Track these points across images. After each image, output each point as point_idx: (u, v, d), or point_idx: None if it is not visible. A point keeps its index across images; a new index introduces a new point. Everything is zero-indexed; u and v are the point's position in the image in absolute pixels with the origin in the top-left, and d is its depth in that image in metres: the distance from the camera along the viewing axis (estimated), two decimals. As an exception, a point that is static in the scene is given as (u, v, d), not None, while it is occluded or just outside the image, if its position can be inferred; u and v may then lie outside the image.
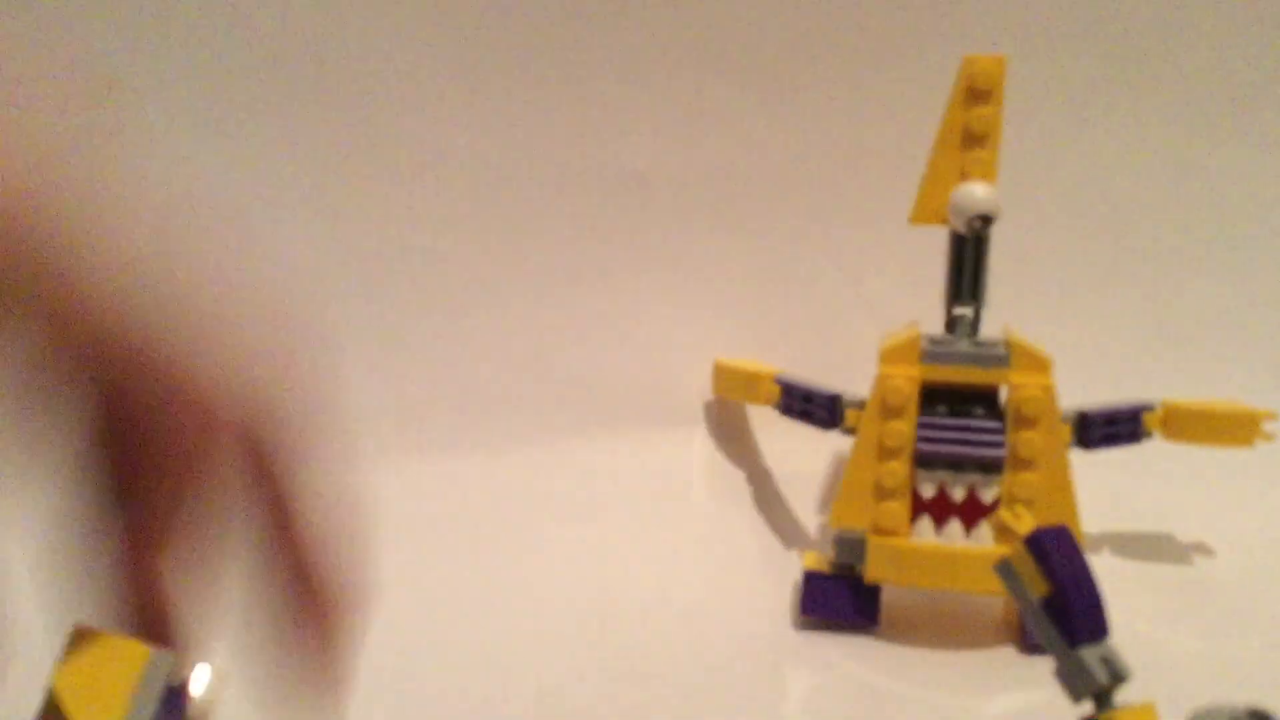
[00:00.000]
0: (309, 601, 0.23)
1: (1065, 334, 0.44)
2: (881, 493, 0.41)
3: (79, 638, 0.20)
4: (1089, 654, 0.25)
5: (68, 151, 0.21)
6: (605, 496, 0.52)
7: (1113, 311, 0.57)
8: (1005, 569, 0.27)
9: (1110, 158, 0.57)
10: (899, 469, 0.41)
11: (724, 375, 0.54)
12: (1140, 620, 0.41)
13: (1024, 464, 0.40)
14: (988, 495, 0.41)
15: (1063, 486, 0.40)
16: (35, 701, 0.19)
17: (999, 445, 0.40)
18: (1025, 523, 0.27)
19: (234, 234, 0.25)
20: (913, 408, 0.41)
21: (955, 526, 0.41)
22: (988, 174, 0.41)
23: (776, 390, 0.48)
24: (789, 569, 0.46)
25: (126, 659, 0.21)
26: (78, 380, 0.21)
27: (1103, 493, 0.43)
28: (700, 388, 0.56)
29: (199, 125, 0.51)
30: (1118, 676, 0.25)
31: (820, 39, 0.55)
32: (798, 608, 0.42)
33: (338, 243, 0.54)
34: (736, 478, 0.54)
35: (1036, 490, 0.40)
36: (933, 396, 0.41)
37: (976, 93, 0.41)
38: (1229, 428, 0.44)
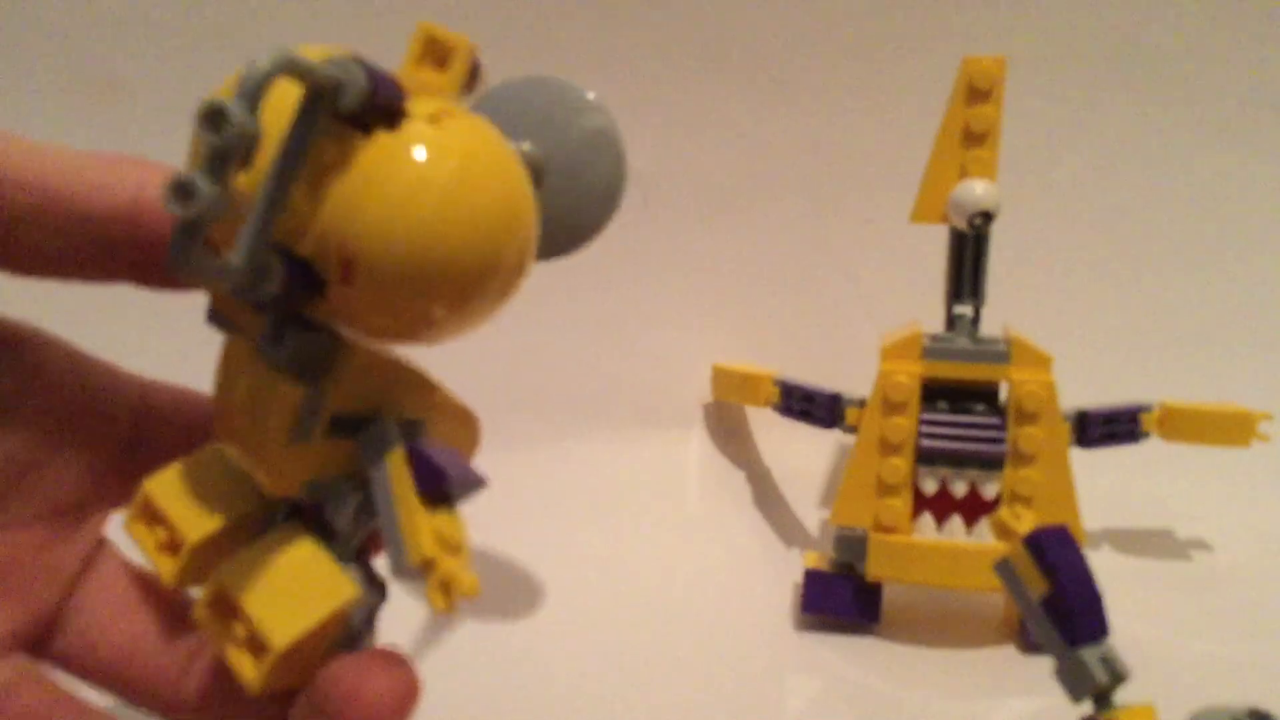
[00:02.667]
0: None
1: (1065, 334, 0.44)
2: (883, 489, 0.41)
3: None
4: (1089, 654, 0.25)
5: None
6: (605, 498, 0.52)
7: (1113, 311, 0.57)
8: (1005, 569, 0.27)
9: (1110, 158, 0.57)
10: (901, 465, 0.41)
11: (723, 378, 0.54)
12: (1140, 620, 0.41)
13: (1025, 459, 0.40)
14: (989, 491, 0.41)
15: (1063, 482, 0.41)
16: None
17: (1000, 441, 0.41)
18: (1025, 522, 0.27)
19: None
20: (914, 404, 0.41)
21: (956, 523, 0.41)
22: (988, 172, 0.41)
23: (776, 391, 0.48)
24: (789, 568, 0.46)
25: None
26: None
27: (1103, 490, 0.43)
28: (700, 388, 0.56)
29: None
30: (1117, 676, 0.25)
31: (820, 39, 0.55)
32: (798, 607, 0.43)
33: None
34: (736, 478, 0.54)
35: (1037, 486, 0.40)
36: (933, 393, 0.42)
37: (976, 92, 0.41)
38: (1225, 429, 0.44)
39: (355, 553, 0.22)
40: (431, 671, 0.38)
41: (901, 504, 0.41)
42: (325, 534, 0.22)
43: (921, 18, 0.55)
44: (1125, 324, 0.57)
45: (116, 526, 0.25)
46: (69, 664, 0.23)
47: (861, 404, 0.43)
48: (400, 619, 0.41)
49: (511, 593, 0.44)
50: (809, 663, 0.40)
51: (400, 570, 0.20)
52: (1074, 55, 0.56)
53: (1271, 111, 0.56)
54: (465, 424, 0.24)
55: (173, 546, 0.22)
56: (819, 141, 0.56)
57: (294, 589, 0.21)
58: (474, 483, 0.21)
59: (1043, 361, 0.41)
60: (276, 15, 0.52)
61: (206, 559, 0.22)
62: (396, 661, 0.21)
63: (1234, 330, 0.57)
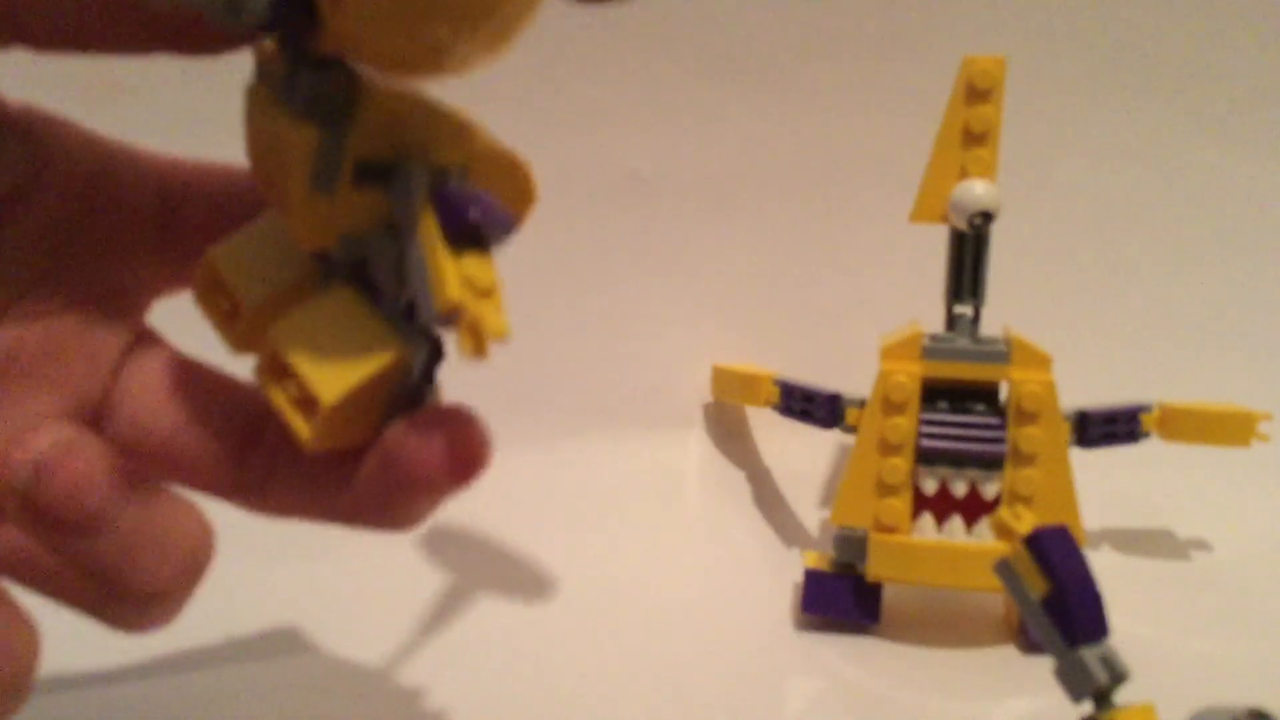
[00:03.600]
0: None
1: (1065, 334, 0.44)
2: (883, 489, 0.41)
3: None
4: (1088, 654, 0.25)
5: None
6: (604, 498, 0.52)
7: (1113, 311, 0.57)
8: (1005, 569, 0.27)
9: (1110, 158, 0.57)
10: (901, 465, 0.41)
11: (723, 378, 0.54)
12: (1140, 620, 0.41)
13: (1025, 459, 0.40)
14: (989, 491, 0.41)
15: (1063, 482, 0.41)
16: None
17: (1000, 441, 0.41)
18: (1025, 522, 0.27)
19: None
20: (914, 404, 0.41)
21: (956, 523, 0.41)
22: (988, 172, 0.41)
23: (776, 391, 0.48)
24: (789, 568, 0.46)
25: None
26: None
27: (1103, 490, 0.43)
28: (699, 388, 0.56)
29: (198, 125, 0.51)
30: (1117, 676, 0.25)
31: (820, 39, 0.55)
32: (798, 607, 0.43)
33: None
34: (736, 478, 0.54)
35: (1037, 486, 0.40)
36: (933, 393, 0.42)
37: (976, 92, 0.41)
38: (1225, 429, 0.44)
39: (405, 308, 0.21)
40: (430, 670, 0.38)
41: (901, 504, 0.41)
42: (373, 291, 0.22)
43: (921, 18, 0.55)
44: (1125, 324, 0.57)
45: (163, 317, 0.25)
46: (129, 443, 0.23)
47: (861, 404, 0.43)
48: (400, 619, 0.41)
49: (511, 593, 0.44)
50: (809, 663, 0.40)
51: (430, 318, 0.20)
52: (1074, 55, 0.56)
53: (1271, 111, 0.56)
54: (512, 172, 0.23)
55: (235, 314, 0.22)
56: (819, 141, 0.56)
57: (342, 346, 0.21)
58: (503, 222, 0.21)
59: (1043, 361, 0.41)
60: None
61: (268, 324, 0.22)
62: (462, 419, 0.21)
63: (1234, 330, 0.57)
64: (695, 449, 0.55)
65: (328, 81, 0.19)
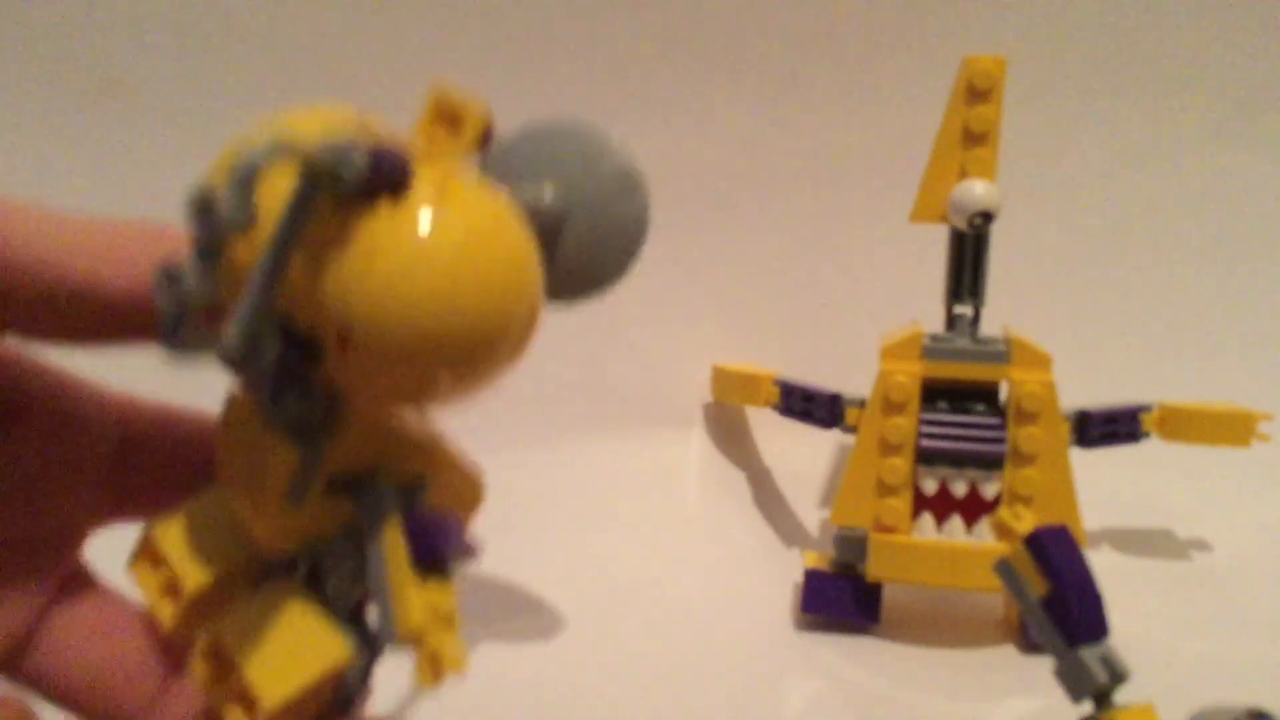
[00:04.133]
0: None
1: (1065, 334, 0.44)
2: (883, 489, 0.41)
3: None
4: (1088, 654, 0.25)
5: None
6: (605, 498, 0.52)
7: (1113, 311, 0.57)
8: (1005, 569, 0.27)
9: (1110, 158, 0.57)
10: (901, 465, 0.41)
11: (723, 379, 0.54)
12: (1140, 620, 0.41)
13: (1025, 459, 0.40)
14: (989, 491, 0.41)
15: (1063, 482, 0.41)
16: None
17: (1000, 441, 0.41)
18: (1025, 522, 0.27)
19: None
20: (914, 404, 0.41)
21: (956, 523, 0.41)
22: (988, 173, 0.41)
23: (776, 391, 0.48)
24: (789, 568, 0.46)
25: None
26: None
27: (1103, 490, 0.43)
28: (700, 388, 0.56)
29: (198, 126, 0.51)
30: (1117, 676, 0.25)
31: (821, 39, 0.55)
32: (798, 607, 0.43)
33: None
34: (736, 478, 0.54)
35: (1037, 486, 0.40)
36: (933, 393, 0.42)
37: (976, 92, 0.41)
38: (1225, 429, 0.44)
39: (351, 610, 0.22)
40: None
41: (901, 504, 0.41)
42: (322, 590, 0.22)
43: (921, 18, 0.55)
44: (1125, 324, 0.57)
45: (99, 547, 0.25)
46: (38, 684, 0.23)
47: (861, 404, 0.43)
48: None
49: (510, 593, 0.44)
50: (809, 663, 0.40)
51: (388, 639, 0.20)
52: (1074, 55, 0.56)
53: (1271, 111, 0.56)
54: (468, 482, 0.24)
55: (173, 592, 0.22)
56: (819, 141, 0.56)
57: (287, 647, 0.21)
58: (468, 553, 0.21)
59: (1043, 361, 0.41)
60: (277, 15, 0.52)
61: (206, 606, 0.22)
62: None
63: (1234, 330, 0.57)
64: (695, 449, 0.55)
65: (314, 407, 0.20)
